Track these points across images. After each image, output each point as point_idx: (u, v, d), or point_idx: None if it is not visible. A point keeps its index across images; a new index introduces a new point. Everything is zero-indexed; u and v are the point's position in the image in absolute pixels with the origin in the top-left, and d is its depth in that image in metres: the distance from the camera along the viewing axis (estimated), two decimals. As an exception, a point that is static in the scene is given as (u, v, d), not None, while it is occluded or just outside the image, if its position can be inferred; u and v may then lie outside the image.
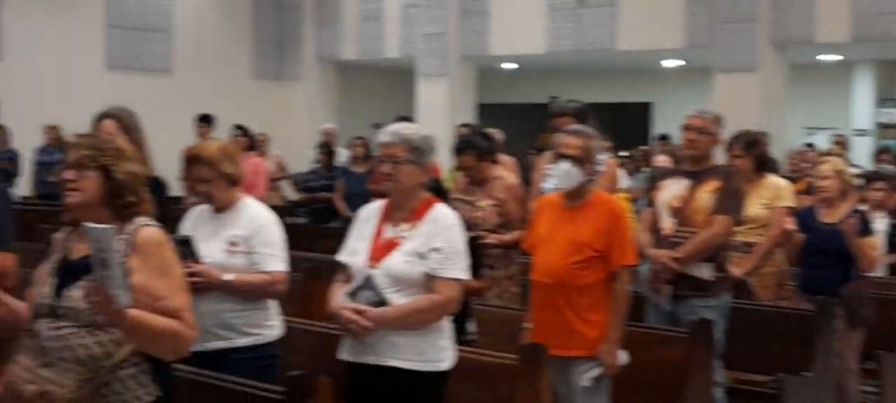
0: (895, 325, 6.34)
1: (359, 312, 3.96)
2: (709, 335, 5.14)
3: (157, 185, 4.41)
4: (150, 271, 3.17)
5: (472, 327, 5.30)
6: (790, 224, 6.45)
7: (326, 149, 12.03)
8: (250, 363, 4.38)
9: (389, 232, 4.10)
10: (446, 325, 4.15)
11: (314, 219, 11.51)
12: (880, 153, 13.23)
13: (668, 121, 16.60)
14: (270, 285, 4.47)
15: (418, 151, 4.07)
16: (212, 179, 4.48)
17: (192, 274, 4.29)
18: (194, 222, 4.64)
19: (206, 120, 11.82)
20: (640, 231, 5.78)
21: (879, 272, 7.34)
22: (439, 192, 4.86)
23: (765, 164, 6.85)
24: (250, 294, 4.44)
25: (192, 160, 4.55)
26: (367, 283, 4.02)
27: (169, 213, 4.82)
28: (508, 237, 6.28)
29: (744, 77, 13.60)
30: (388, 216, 4.15)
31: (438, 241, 4.02)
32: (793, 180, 8.71)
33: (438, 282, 4.01)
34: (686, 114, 5.84)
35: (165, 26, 17.41)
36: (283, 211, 11.18)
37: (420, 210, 4.11)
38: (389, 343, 4.01)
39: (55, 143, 13.26)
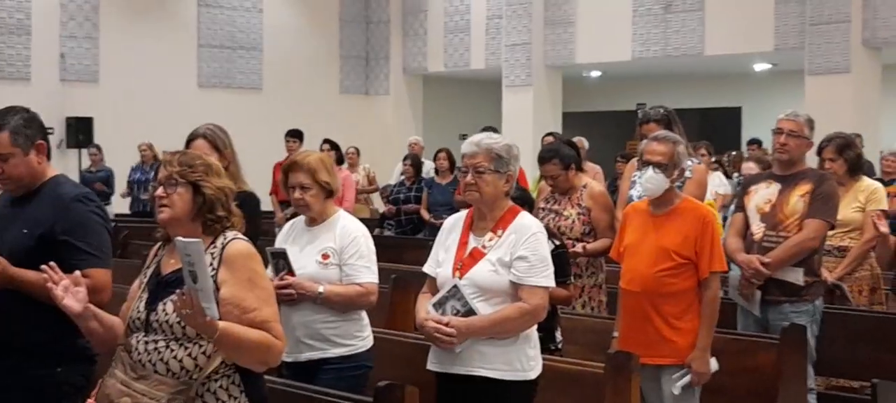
0: None
1: (445, 323, 3.99)
2: (801, 340, 5.05)
3: (248, 200, 4.49)
4: (238, 283, 3.24)
5: (558, 336, 5.29)
6: (884, 227, 6.32)
7: (413, 161, 12.12)
8: (343, 373, 4.44)
9: (474, 242, 4.12)
10: (534, 334, 4.16)
11: (402, 231, 11.60)
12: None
13: (758, 126, 16.35)
14: (362, 296, 4.52)
15: (501, 160, 4.08)
16: (309, 187, 4.54)
17: (285, 286, 4.38)
18: (288, 235, 4.72)
19: (295, 135, 11.99)
20: (729, 236, 5.71)
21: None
22: (524, 201, 4.87)
23: (859, 167, 6.72)
24: (343, 305, 4.49)
25: (292, 167, 4.62)
26: (454, 293, 4.05)
27: (260, 227, 4.91)
28: (595, 245, 6.25)
29: (836, 79, 13.36)
30: (473, 226, 4.17)
31: (523, 250, 4.03)
32: (887, 183, 8.53)
33: (525, 290, 4.02)
34: (777, 117, 5.75)
35: (255, 44, 17.74)
36: (372, 223, 11.30)
37: (504, 219, 4.12)
38: (477, 353, 4.03)
39: (150, 161, 13.58)
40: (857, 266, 6.38)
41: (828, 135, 6.73)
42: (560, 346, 5.30)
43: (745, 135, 17.17)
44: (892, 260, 6.34)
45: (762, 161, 8.53)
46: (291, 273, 4.47)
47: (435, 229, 8.76)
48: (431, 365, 4.16)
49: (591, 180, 6.87)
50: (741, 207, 5.76)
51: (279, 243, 4.70)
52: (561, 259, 5.08)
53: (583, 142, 10.99)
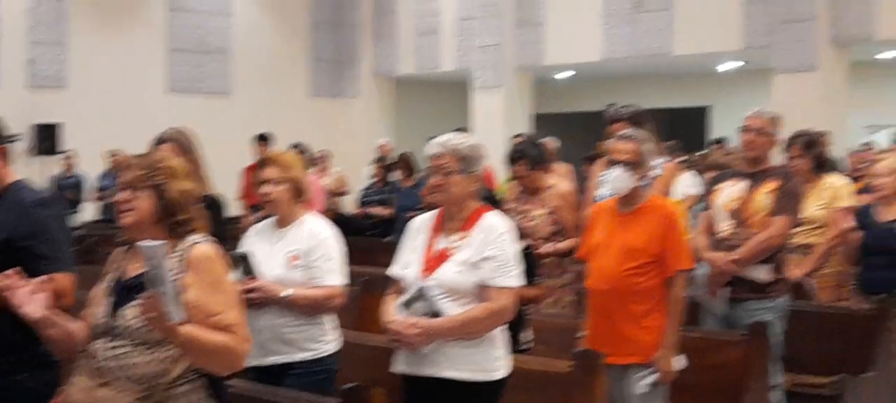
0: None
1: (410, 324, 3.99)
2: (766, 337, 5.09)
3: (213, 203, 4.47)
4: (203, 287, 3.22)
5: (527, 336, 5.30)
6: (848, 223, 6.37)
7: (383, 163, 12.12)
8: (309, 377, 4.42)
9: (441, 243, 4.12)
10: (501, 334, 4.16)
11: (372, 233, 11.60)
12: (940, 149, 13.01)
13: (727, 124, 16.43)
14: (329, 299, 4.50)
15: (467, 161, 4.08)
16: (280, 182, 4.52)
17: (251, 290, 4.36)
18: (255, 238, 4.69)
19: (264, 139, 11.96)
20: (697, 234, 5.75)
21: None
22: (491, 201, 4.88)
23: (823, 165, 6.79)
24: (309, 308, 4.47)
25: (265, 161, 4.61)
26: (421, 294, 4.05)
27: (225, 231, 4.89)
28: (563, 245, 6.27)
29: (803, 77, 13.43)
30: (440, 227, 4.17)
31: (490, 250, 4.03)
32: (854, 180, 8.60)
33: (492, 291, 4.02)
34: (744, 115, 5.80)
35: (224, 48, 17.66)
36: (342, 226, 11.30)
37: (471, 219, 4.12)
38: (444, 355, 4.03)
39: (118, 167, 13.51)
40: (822, 262, 6.43)
41: (794, 133, 6.79)
42: (529, 346, 5.31)
43: (715, 134, 17.27)
44: (856, 256, 6.39)
45: (719, 166, 8.60)
46: (256, 276, 4.46)
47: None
48: (398, 367, 4.16)
49: (559, 180, 6.89)
50: (709, 205, 5.80)
51: (247, 245, 4.67)
52: (529, 259, 5.10)
53: (552, 142, 11.02)
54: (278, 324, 4.44)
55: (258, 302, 4.39)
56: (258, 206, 10.33)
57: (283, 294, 4.40)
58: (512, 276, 4.07)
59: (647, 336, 4.69)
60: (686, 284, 4.88)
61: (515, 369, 4.25)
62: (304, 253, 4.49)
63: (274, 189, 4.52)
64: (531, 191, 6.50)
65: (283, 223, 4.59)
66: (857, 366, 5.38)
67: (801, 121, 8.49)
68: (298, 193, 4.57)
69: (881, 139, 14.92)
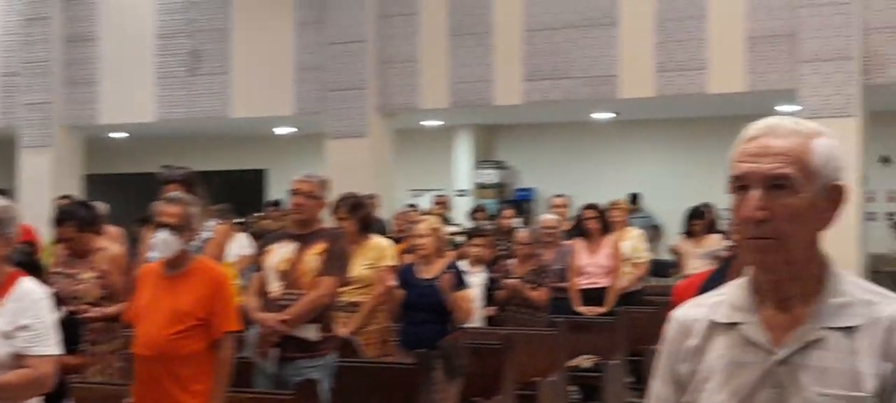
0: (491, 374, 6.70)
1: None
2: (313, 395, 5.21)
3: None
4: None
5: (69, 406, 5.07)
6: (391, 281, 6.71)
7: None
8: None
9: (-30, 313, 3.84)
10: (39, 405, 3.95)
11: None
12: (475, 211, 14.09)
13: (283, 187, 16.73)
14: None
15: (-3, 223, 3.85)
16: None
17: None
18: None
19: None
20: (248, 295, 5.79)
21: (476, 323, 7.79)
22: (28, 266, 4.63)
23: (369, 226, 7.10)
24: None
25: None
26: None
27: None
28: (111, 309, 6.08)
29: (353, 142, 14.00)
30: (-31, 295, 3.89)
31: (26, 318, 3.80)
32: (399, 240, 9.08)
33: (30, 361, 3.80)
34: (294, 178, 5.95)
35: None
36: None
37: (4, 286, 3.87)
38: (-26, 428, 3.76)
39: None
40: (368, 320, 6.71)
41: (341, 196, 7.05)
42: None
43: (272, 197, 17.54)
44: (398, 313, 6.73)
45: (272, 228, 8.78)
46: None
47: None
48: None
49: (110, 243, 6.69)
50: (260, 267, 5.87)
51: None
52: (71, 325, 4.89)
53: (101, 205, 10.67)
54: None
55: None
56: None
57: None
58: (50, 344, 3.86)
59: (193, 400, 4.65)
60: (236, 345, 4.90)
61: (54, 442, 4.04)
62: None
63: None
64: (80, 254, 6.25)
65: None
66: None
67: (353, 184, 8.84)
68: None
69: (423, 202, 15.85)
